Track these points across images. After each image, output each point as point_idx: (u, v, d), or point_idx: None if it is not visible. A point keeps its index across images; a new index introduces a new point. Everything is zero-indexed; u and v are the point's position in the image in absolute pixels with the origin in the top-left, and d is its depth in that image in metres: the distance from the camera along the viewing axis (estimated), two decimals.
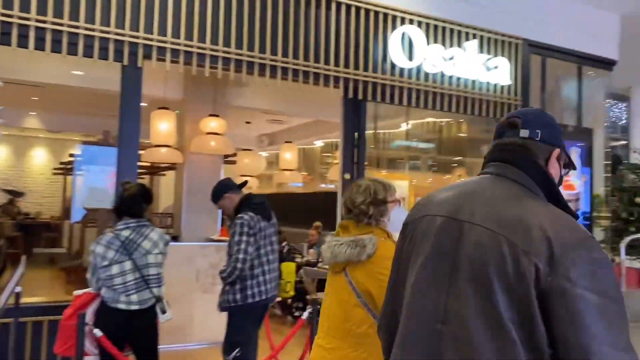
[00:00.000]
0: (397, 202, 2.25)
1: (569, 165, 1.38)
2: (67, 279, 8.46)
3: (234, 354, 3.48)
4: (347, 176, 4.95)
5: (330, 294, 2.21)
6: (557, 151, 1.33)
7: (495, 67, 5.35)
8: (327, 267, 2.26)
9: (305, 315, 3.41)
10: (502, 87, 5.44)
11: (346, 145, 4.95)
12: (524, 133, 1.31)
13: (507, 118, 1.36)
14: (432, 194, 1.39)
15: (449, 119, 7.12)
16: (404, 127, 7.12)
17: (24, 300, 3.68)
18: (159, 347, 3.28)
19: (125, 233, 3.09)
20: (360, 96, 4.78)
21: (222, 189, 3.77)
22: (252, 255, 3.48)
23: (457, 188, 1.34)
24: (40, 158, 14.32)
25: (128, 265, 3.06)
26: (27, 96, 8.28)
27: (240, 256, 3.41)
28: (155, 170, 9.04)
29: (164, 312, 3.11)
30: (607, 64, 6.26)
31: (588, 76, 6.27)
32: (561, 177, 1.36)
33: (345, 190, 2.30)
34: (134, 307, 3.05)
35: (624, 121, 10.29)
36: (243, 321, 3.51)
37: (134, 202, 3.18)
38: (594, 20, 6.03)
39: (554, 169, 1.33)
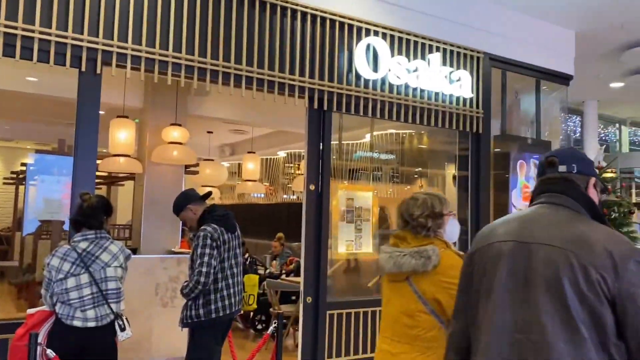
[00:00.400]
0: (451, 215, 2.34)
1: (605, 190, 1.70)
2: (18, 295, 8.08)
3: None
4: (312, 187, 4.91)
5: (392, 301, 2.29)
6: (593, 179, 1.61)
7: (458, 80, 5.44)
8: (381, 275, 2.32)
9: (270, 330, 3.33)
10: (465, 99, 5.53)
11: (311, 156, 4.92)
12: (562, 169, 1.59)
13: (546, 158, 1.64)
14: (493, 225, 1.63)
15: (410, 131, 7.20)
16: (367, 138, 7.15)
17: None
18: None
19: (83, 245, 2.96)
20: (325, 107, 4.76)
21: (185, 200, 3.67)
22: (216, 268, 3.38)
23: (518, 218, 1.58)
24: None
25: (85, 278, 2.91)
26: None
27: (204, 269, 3.31)
28: (112, 180, 8.79)
29: (123, 329, 2.97)
30: (563, 79, 6.46)
31: (545, 90, 6.46)
32: (599, 201, 1.61)
33: (402, 203, 2.38)
34: (91, 324, 2.90)
35: (577, 134, 10.65)
36: (206, 337, 3.41)
37: (93, 214, 3.05)
38: (552, 37, 6.22)
39: (593, 194, 1.58)
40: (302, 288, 4.84)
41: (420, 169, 7.64)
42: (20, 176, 9.74)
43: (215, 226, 3.44)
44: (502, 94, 6.03)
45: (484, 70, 5.70)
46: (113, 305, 2.98)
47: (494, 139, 5.93)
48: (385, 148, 7.43)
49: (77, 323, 2.87)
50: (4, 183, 12.11)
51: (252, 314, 6.92)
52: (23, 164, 9.38)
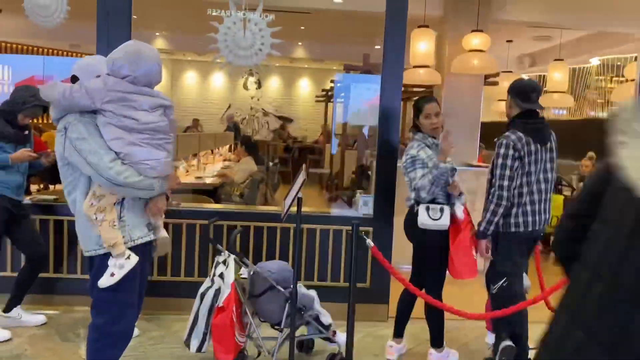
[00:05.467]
0: None
1: None
2: (329, 196, 9.34)
3: (499, 284, 3.22)
4: None
5: None
6: None
7: None
8: None
9: None
10: None
11: None
12: None
13: None
14: None
15: None
16: None
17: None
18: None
19: None
20: None
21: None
22: (521, 181, 3.08)
23: None
24: (305, 87, 15.67)
25: None
26: (295, 26, 8.88)
27: (505, 183, 3.04)
28: (408, 95, 8.93)
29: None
30: None
31: None
32: None
33: None
34: None
35: None
36: (509, 250, 3.20)
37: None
38: None
39: None
40: None
41: None
42: (329, 93, 10.80)
43: (521, 134, 3.08)
44: None
45: None
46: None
47: None
48: None
49: None
50: (316, 101, 13.70)
51: (553, 236, 6.41)
52: (331, 81, 10.36)
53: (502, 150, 3.06)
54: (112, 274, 2.32)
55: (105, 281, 2.31)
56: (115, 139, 2.27)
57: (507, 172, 3.04)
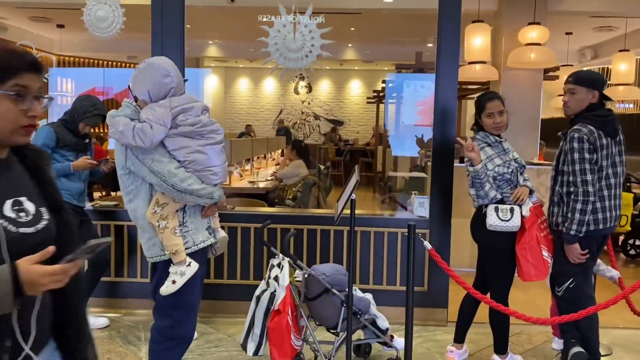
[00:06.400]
0: None
1: None
2: (381, 199, 9.25)
3: (565, 285, 3.04)
4: None
5: None
6: None
7: None
8: None
9: None
10: None
11: None
12: None
13: None
14: None
15: None
16: None
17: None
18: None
19: None
20: None
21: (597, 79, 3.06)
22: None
23: None
24: (355, 89, 15.59)
25: None
26: (345, 27, 8.83)
27: (588, 177, 2.85)
28: (463, 94, 8.69)
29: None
30: None
31: None
32: None
33: None
34: None
35: None
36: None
37: None
38: None
39: None
40: None
41: None
42: (381, 94, 10.68)
43: (592, 128, 2.90)
44: None
45: None
46: None
47: None
48: None
49: None
50: (368, 102, 13.60)
51: (623, 236, 6.05)
52: (383, 81, 10.25)
53: (575, 145, 2.87)
54: (174, 282, 2.35)
55: (166, 289, 2.35)
56: (181, 148, 2.34)
57: (587, 166, 2.86)
